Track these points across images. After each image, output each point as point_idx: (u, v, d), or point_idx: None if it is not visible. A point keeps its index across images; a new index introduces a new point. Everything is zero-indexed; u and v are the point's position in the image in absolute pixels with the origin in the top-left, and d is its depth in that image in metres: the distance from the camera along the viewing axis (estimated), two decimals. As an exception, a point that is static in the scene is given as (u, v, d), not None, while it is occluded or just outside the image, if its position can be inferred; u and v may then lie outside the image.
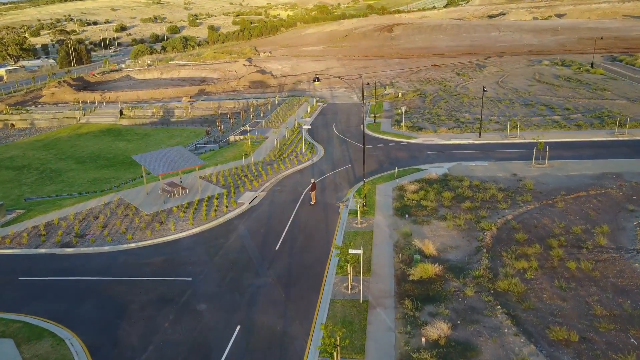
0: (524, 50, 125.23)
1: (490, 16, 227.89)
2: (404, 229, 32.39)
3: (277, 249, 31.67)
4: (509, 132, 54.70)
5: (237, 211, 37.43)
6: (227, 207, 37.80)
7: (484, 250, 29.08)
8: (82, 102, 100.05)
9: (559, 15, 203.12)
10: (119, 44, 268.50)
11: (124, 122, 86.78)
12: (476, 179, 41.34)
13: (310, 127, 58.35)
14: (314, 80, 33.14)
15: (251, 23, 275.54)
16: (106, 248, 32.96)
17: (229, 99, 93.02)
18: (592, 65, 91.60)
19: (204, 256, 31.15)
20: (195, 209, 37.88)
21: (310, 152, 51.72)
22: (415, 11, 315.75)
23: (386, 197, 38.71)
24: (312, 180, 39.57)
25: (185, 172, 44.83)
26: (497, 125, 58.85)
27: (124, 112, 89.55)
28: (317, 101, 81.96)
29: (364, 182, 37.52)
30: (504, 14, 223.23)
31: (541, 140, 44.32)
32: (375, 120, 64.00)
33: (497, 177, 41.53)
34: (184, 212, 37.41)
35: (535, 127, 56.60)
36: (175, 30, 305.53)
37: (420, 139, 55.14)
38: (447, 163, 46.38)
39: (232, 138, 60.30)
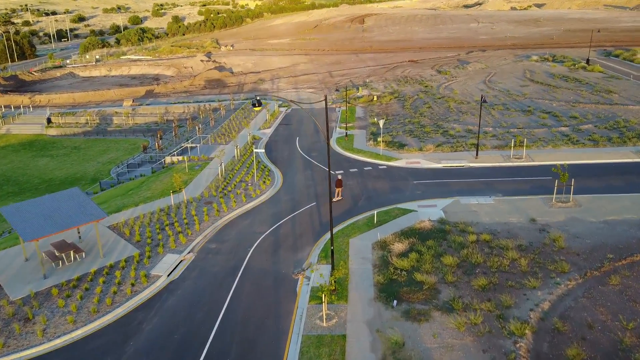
0: (508, 44, 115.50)
1: (465, 6, 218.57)
2: (393, 336, 21.17)
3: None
4: (513, 151, 44.06)
5: (147, 293, 25.62)
6: (133, 284, 25.99)
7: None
8: (5, 106, 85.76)
9: (538, 5, 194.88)
10: (76, 36, 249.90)
11: (52, 131, 73.36)
12: (484, 228, 30.45)
13: (263, 151, 46.49)
14: (254, 105, 21.74)
15: (217, 13, 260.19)
16: None
17: (179, 102, 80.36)
18: (587, 61, 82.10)
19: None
20: (87, 289, 25.93)
21: (264, 181, 40.08)
22: (388, 0, 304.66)
23: (364, 262, 27.45)
24: (338, 176, 36.39)
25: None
26: (495, 140, 48.19)
27: (53, 119, 75.99)
28: (280, 106, 70.15)
29: (331, 239, 26.08)
30: (480, 4, 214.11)
31: (561, 166, 33.66)
32: (346, 132, 52.69)
33: (511, 225, 30.70)
34: (70, 295, 25.44)
35: (541, 143, 46.16)
36: (137, 20, 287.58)
37: (403, 160, 44.04)
38: (440, 199, 35.40)
39: (168, 159, 48.13)
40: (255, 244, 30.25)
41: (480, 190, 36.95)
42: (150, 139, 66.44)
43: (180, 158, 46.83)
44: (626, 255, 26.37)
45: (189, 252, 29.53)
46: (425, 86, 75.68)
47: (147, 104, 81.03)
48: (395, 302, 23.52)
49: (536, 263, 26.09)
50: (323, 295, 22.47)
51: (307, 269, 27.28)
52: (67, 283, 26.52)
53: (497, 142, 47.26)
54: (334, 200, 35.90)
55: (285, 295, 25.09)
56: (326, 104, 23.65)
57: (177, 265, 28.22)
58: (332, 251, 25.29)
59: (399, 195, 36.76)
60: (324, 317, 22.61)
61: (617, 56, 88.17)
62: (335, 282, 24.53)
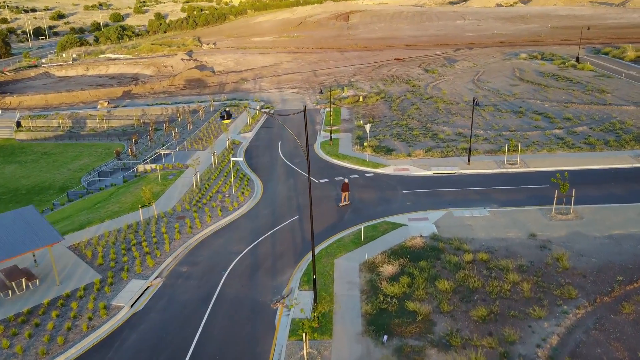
0: (495, 41, 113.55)
1: (451, 2, 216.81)
2: (384, 382, 18.58)
3: None
4: (507, 156, 41.71)
5: (107, 328, 22.68)
6: (91, 318, 23.04)
7: None
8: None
9: (524, 2, 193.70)
10: (56, 34, 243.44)
11: (22, 136, 69.63)
12: (480, 245, 27.96)
13: (241, 159, 43.53)
14: (222, 117, 18.92)
15: (201, 10, 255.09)
16: None
17: (156, 104, 76.94)
18: (577, 59, 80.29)
19: None
20: (37, 325, 22.90)
21: (243, 192, 37.23)
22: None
23: (350, 288, 24.79)
24: (345, 180, 35.14)
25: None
26: (487, 144, 45.83)
27: (23, 122, 72.18)
28: (262, 107, 67.17)
29: (314, 268, 23.33)
30: (466, 0, 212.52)
31: (561, 175, 31.24)
32: (331, 136, 49.96)
33: (509, 242, 28.25)
34: (17, 333, 22.40)
35: (535, 147, 43.91)
36: (118, 18, 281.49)
37: (391, 167, 41.46)
38: (432, 211, 32.86)
39: (141, 168, 45.00)
40: (231, 267, 27.43)
41: (474, 200, 34.49)
42: (126, 143, 63.16)
43: (153, 166, 43.74)
44: (637, 277, 24.01)
45: (157, 277, 26.61)
46: (413, 86, 73.23)
47: (123, 106, 77.51)
48: (385, 337, 20.90)
49: (540, 287, 23.64)
50: (304, 333, 19.75)
51: (287, 297, 24.55)
52: (15, 318, 23.48)
53: (489, 147, 44.89)
54: (340, 205, 34.55)
55: (263, 329, 22.34)
56: (305, 117, 20.85)
57: (142, 293, 25.30)
58: (315, 281, 22.55)
59: (387, 207, 34.17)
60: (305, 356, 19.90)
61: (606, 54, 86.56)
62: (318, 317, 21.83)
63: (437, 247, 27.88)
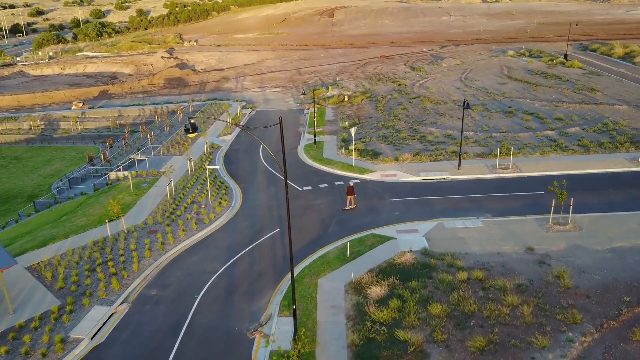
0: (482, 38, 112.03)
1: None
2: None
3: None
4: (499, 160, 39.84)
5: (62, 366, 20.27)
6: (45, 354, 20.57)
7: None
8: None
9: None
10: (34, 31, 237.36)
11: (-9, 139, 66.25)
12: (474, 261, 25.97)
13: (218, 167, 41.01)
14: (187, 131, 16.54)
15: (184, 6, 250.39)
16: None
17: (134, 105, 73.97)
18: (565, 56, 78.90)
19: None
20: (-16, 362, 20.42)
21: (220, 202, 34.84)
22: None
23: (335, 313, 22.62)
24: (350, 183, 33.95)
25: None
26: (476, 146, 43.96)
27: (-8, 125, 68.83)
28: (243, 108, 64.67)
29: (293, 298, 21.08)
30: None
31: (559, 183, 29.31)
32: (315, 139, 47.69)
33: (506, 257, 26.29)
34: (-41, 372, 19.92)
35: (528, 150, 42.14)
36: (99, 14, 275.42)
37: (378, 172, 39.37)
38: (422, 222, 30.82)
39: (113, 175, 42.34)
40: (204, 289, 25.10)
41: (466, 209, 32.53)
42: (101, 147, 60.22)
43: (125, 173, 41.11)
44: (645, 297, 22.20)
45: (122, 303, 24.19)
46: (399, 84, 71.19)
47: (98, 107, 74.39)
48: (374, 373, 18.79)
49: (541, 310, 21.68)
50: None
51: (265, 324, 22.30)
52: (-42, 355, 20.96)
53: (479, 150, 43.01)
54: (345, 209, 33.29)
55: (238, 363, 20.10)
56: (282, 130, 18.56)
57: (105, 322, 22.88)
58: (295, 312, 20.30)
59: (374, 217, 32.06)
60: (285, 399, 17.73)
61: (594, 50, 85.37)
62: (299, 352, 19.62)
63: (429, 263, 25.82)
